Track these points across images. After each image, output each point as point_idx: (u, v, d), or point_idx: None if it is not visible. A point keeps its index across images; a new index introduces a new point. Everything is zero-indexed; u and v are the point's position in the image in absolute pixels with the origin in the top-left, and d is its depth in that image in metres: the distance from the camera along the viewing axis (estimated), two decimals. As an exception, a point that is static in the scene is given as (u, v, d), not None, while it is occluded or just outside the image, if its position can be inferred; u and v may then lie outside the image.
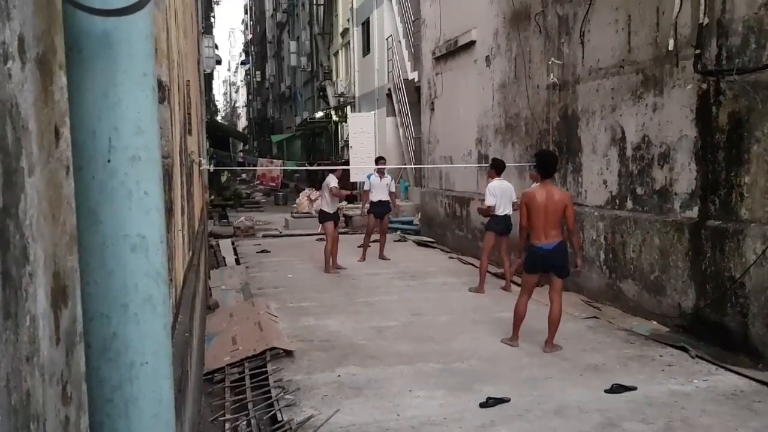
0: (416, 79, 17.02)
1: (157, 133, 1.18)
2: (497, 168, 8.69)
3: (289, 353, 5.91)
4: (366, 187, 11.62)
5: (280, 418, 4.47)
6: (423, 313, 7.52)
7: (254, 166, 28.13)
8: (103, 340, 1.06)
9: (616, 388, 4.91)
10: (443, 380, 5.25)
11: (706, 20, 6.13)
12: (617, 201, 7.55)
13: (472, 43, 11.66)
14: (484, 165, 11.21)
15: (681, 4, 6.39)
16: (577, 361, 5.69)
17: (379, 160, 11.76)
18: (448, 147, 13.12)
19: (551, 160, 6.14)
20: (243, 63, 76.99)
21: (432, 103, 14.11)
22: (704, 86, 6.21)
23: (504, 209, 8.49)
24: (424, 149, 15.06)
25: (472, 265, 10.60)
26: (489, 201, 8.49)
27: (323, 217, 10.50)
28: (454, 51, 12.53)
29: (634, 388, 4.91)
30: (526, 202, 5.89)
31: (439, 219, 13.44)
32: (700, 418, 4.45)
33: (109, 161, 1.09)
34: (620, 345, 6.14)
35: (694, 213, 6.32)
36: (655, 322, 6.70)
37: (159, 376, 1.10)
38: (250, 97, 72.27)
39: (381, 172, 11.33)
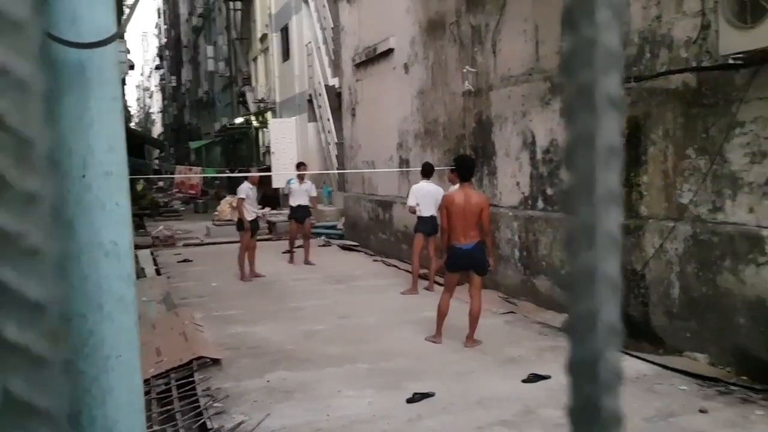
0: (337, 86, 17.18)
1: (125, 151, 1.31)
2: (423, 171, 8.96)
3: (216, 362, 5.93)
4: (285, 192, 11.79)
5: (210, 426, 4.52)
6: (350, 316, 7.68)
7: (171, 173, 27.46)
8: (81, 338, 1.17)
9: (533, 378, 5.24)
10: (372, 380, 5.42)
11: (605, 32, 6.59)
12: (530, 201, 7.97)
13: (390, 51, 11.94)
14: (405, 169, 11.50)
15: (582, 17, 6.85)
16: (496, 354, 6.00)
17: (300, 165, 11.92)
18: (370, 152, 13.35)
19: (469, 163, 6.44)
20: (157, 68, 74.85)
21: (353, 109, 14.31)
22: (605, 93, 6.68)
23: (428, 211, 8.76)
24: (346, 154, 15.24)
25: (396, 267, 10.85)
26: (409, 201, 8.81)
27: (241, 225, 10.36)
28: (373, 58, 12.78)
29: (548, 377, 5.25)
30: (446, 205, 6.17)
31: (363, 223, 13.65)
32: (608, 401, 4.81)
33: (84, 176, 1.21)
34: (536, 337, 6.51)
35: (599, 211, 6.78)
36: (566, 315, 7.12)
37: (131, 368, 1.22)
38: (166, 102, 70.31)
39: (301, 178, 11.51)
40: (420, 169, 9.16)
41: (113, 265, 1.23)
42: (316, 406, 4.89)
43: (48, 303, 0.19)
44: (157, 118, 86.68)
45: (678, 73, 5.81)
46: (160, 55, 70.20)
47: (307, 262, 11.56)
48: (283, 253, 12.11)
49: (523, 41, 7.93)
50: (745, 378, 5.14)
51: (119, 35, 1.24)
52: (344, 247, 13.68)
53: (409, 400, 4.88)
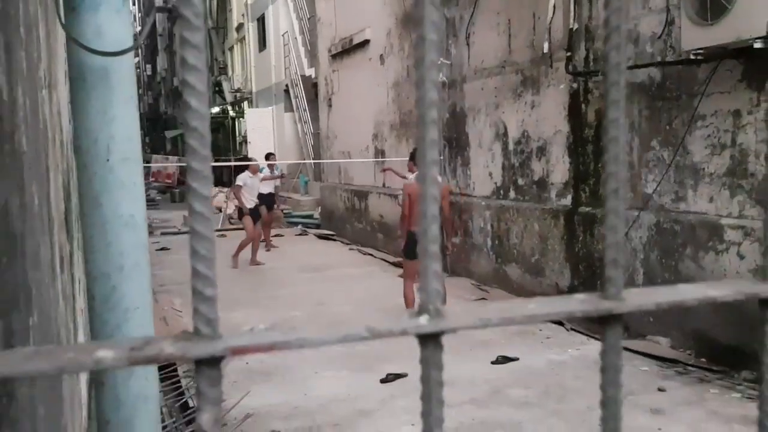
0: (313, 76, 17.25)
1: (139, 140, 1.49)
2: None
3: (196, 346, 6.06)
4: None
5: (191, 404, 4.67)
6: (326, 303, 7.84)
7: (147, 162, 27.29)
8: (105, 293, 1.36)
9: (501, 360, 5.46)
10: (348, 362, 5.60)
11: (576, 25, 6.81)
12: (501, 191, 8.19)
13: (366, 42, 12.06)
14: (381, 159, 11.66)
15: (554, 11, 7.06)
16: (467, 338, 6.20)
17: (270, 156, 12.18)
18: (346, 142, 13.48)
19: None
20: (131, 56, 73.77)
21: (329, 99, 14.42)
22: (575, 86, 6.91)
23: None
24: (322, 144, 15.35)
25: (372, 255, 11.04)
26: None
27: (241, 213, 10.64)
28: (349, 49, 12.89)
29: (516, 359, 5.48)
30: (409, 193, 6.34)
31: (339, 212, 13.80)
32: (573, 382, 5.06)
33: (108, 160, 1.40)
34: (506, 322, 6.74)
35: (567, 201, 7.02)
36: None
37: (146, 318, 1.41)
38: (141, 91, 69.49)
39: (272, 168, 11.83)
40: (407, 159, 9.25)
41: (131, 234, 1.44)
42: (294, 386, 5.05)
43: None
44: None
45: (643, 68, 6.03)
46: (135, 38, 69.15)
47: (268, 245, 11.88)
48: (261, 241, 12.25)
49: (496, 34, 8.12)
50: (703, 360, 5.41)
51: (136, 47, 1.41)
52: (321, 236, 13.82)
53: (383, 381, 5.06)
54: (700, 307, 4.60)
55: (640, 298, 0.50)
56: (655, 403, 4.56)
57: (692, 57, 5.32)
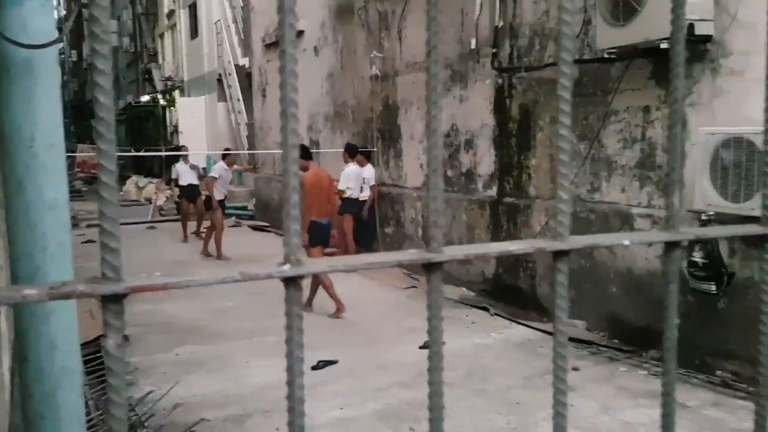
0: (247, 66, 17.08)
1: (62, 127, 1.57)
2: (351, 153, 9.11)
3: (124, 338, 6.01)
4: (174, 176, 12.32)
5: (120, 397, 4.66)
6: (260, 293, 7.85)
7: (73, 152, 26.35)
8: (29, 272, 1.42)
9: (428, 344, 5.66)
10: (280, 350, 5.59)
11: (501, 23, 7.07)
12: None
13: (300, 33, 12.06)
14: (315, 151, 11.72)
15: (481, 8, 7.30)
16: (397, 325, 6.40)
17: (181, 147, 12.25)
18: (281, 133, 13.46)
19: (305, 147, 7.02)
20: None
21: (264, 89, 14.35)
22: (500, 81, 7.17)
23: (356, 192, 9.07)
24: (257, 135, 15.26)
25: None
26: (349, 184, 8.96)
27: (209, 204, 10.57)
28: (283, 39, 12.85)
29: (443, 343, 5.69)
30: (304, 184, 6.51)
31: (274, 204, 13.78)
32: (496, 363, 5.32)
33: (31, 147, 1.47)
34: (435, 309, 6.97)
35: (493, 192, 7.30)
36: (464, 288, 7.65)
37: None
38: (66, 78, 66.76)
39: (185, 159, 11.84)
40: (343, 150, 9.33)
41: (54, 216, 1.51)
42: (225, 375, 5.11)
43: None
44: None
45: (563, 65, 6.33)
46: (59, 29, 66.42)
47: (198, 233, 11.81)
48: (191, 233, 12.12)
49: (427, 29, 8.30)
50: (616, 341, 5.78)
51: (60, 40, 1.48)
52: (255, 228, 13.77)
53: (314, 368, 5.18)
54: (612, 290, 4.91)
55: (454, 251, 0.65)
56: (568, 381, 4.85)
57: (606, 56, 5.64)
